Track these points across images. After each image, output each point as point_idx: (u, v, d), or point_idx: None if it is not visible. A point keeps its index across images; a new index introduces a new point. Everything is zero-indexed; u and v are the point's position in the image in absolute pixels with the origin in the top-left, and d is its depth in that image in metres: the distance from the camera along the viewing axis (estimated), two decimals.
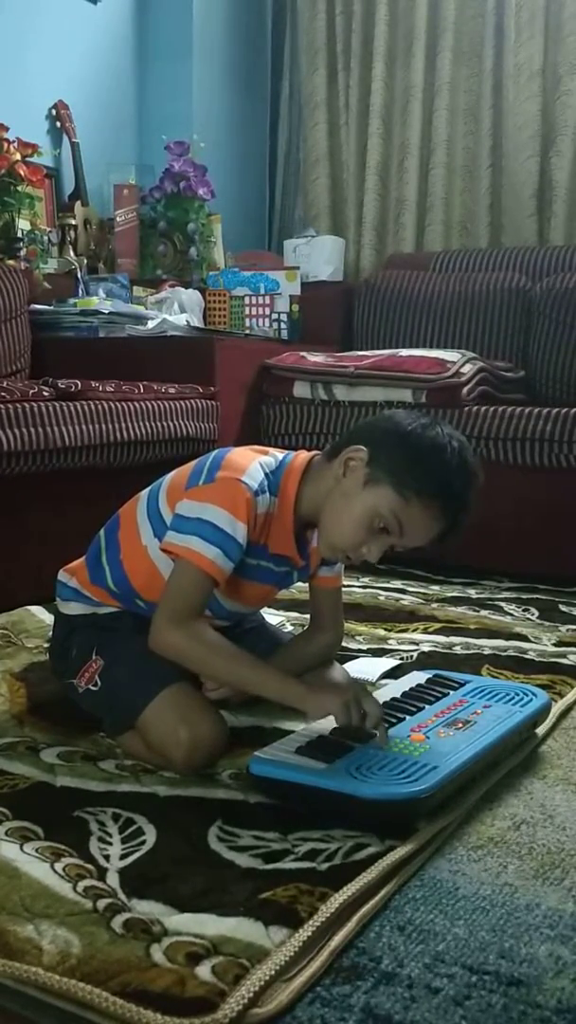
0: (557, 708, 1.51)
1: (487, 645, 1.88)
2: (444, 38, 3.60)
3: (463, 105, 3.64)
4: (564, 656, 1.81)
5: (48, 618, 1.95)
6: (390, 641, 1.91)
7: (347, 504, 1.30)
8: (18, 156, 2.82)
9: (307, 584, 1.52)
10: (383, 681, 1.63)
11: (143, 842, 1.08)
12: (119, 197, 3.35)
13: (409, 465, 1.26)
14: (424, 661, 1.77)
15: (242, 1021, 0.78)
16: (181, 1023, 0.77)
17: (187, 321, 2.92)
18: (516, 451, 2.49)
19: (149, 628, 1.32)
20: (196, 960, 0.85)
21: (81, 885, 0.98)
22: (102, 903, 0.95)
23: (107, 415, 2.21)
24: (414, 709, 1.36)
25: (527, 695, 1.44)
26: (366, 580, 2.44)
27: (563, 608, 2.21)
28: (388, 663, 1.74)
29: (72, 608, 1.47)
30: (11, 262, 2.77)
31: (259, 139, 4.07)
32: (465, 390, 2.66)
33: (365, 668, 1.70)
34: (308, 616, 1.59)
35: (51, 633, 1.56)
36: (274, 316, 3.17)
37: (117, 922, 0.91)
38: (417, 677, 1.53)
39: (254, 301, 3.19)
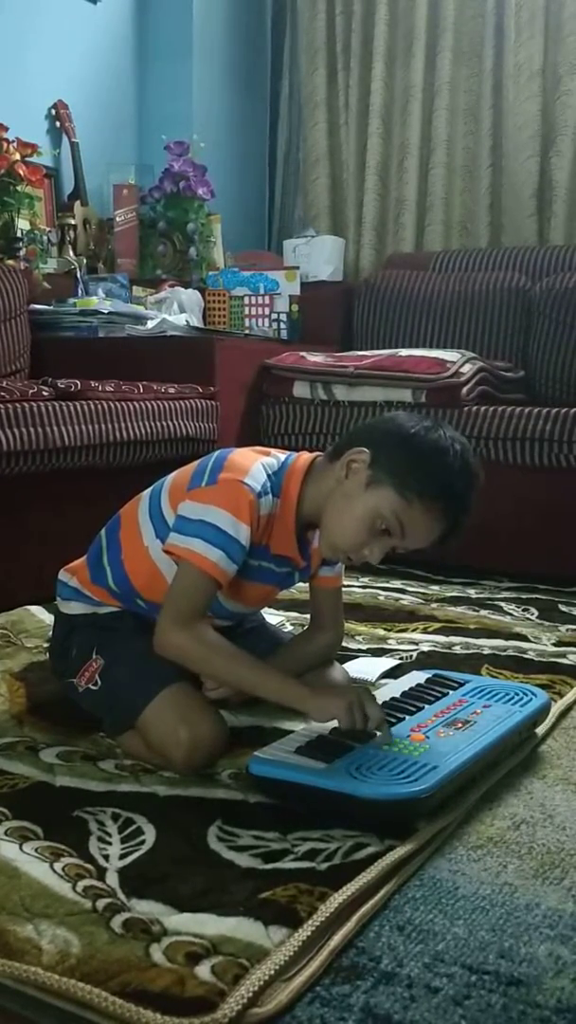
0: (557, 708, 1.51)
1: (487, 645, 1.88)
2: (444, 38, 3.60)
3: (463, 105, 3.64)
4: (564, 656, 1.81)
5: (48, 618, 1.95)
6: (390, 641, 1.91)
7: (349, 505, 1.30)
8: (18, 156, 2.82)
9: (307, 584, 1.52)
10: (383, 681, 1.63)
11: (143, 842, 1.08)
12: (119, 197, 3.34)
13: (411, 467, 1.26)
14: (424, 661, 1.77)
15: (242, 1021, 0.78)
16: (181, 1023, 0.77)
17: (187, 321, 2.92)
18: (516, 451, 2.49)
19: (149, 628, 1.32)
20: (196, 960, 0.85)
21: (81, 885, 0.98)
22: (101, 903, 0.95)
23: (107, 415, 2.21)
24: (414, 709, 1.36)
25: (527, 695, 1.44)
26: (366, 580, 2.44)
27: (563, 608, 2.21)
28: (388, 663, 1.74)
29: (72, 608, 1.47)
30: (11, 262, 2.77)
31: (259, 139, 4.07)
32: (465, 390, 2.65)
33: (365, 668, 1.70)
34: (308, 616, 1.59)
35: (51, 633, 1.56)
36: (274, 316, 3.17)
37: (117, 922, 0.91)
38: (417, 677, 1.53)
39: (254, 301, 3.19)
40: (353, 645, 1.86)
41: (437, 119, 3.63)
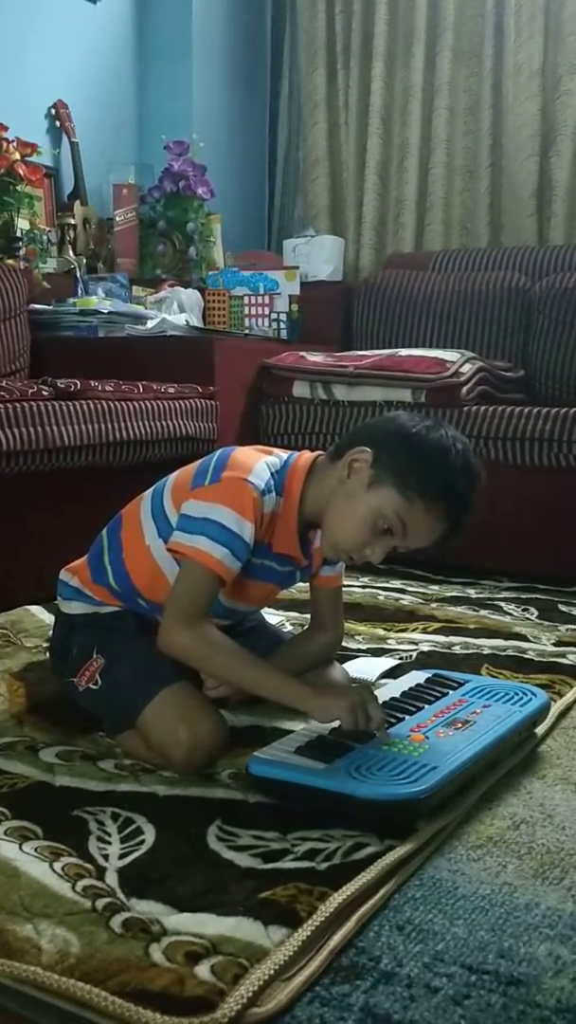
0: (556, 708, 1.51)
1: (486, 645, 1.88)
2: (444, 38, 3.60)
3: (463, 105, 3.64)
4: (563, 656, 1.81)
5: (47, 618, 1.95)
6: (389, 641, 1.91)
7: (351, 505, 1.30)
8: (17, 155, 2.82)
9: (307, 584, 1.52)
10: (382, 681, 1.63)
11: (142, 842, 1.08)
12: (118, 197, 3.34)
13: (413, 466, 1.27)
14: (423, 661, 1.77)
15: (241, 1020, 0.78)
16: (180, 1022, 0.77)
17: (186, 321, 2.92)
18: (516, 451, 2.49)
19: (150, 628, 1.32)
20: (195, 959, 0.85)
21: (80, 884, 0.98)
22: (101, 902, 0.95)
23: (106, 415, 2.21)
24: (413, 709, 1.36)
25: (526, 695, 1.44)
26: (366, 580, 2.44)
27: (562, 608, 2.21)
28: (387, 663, 1.74)
29: (73, 607, 1.47)
30: (10, 262, 2.77)
31: (259, 139, 4.07)
32: (464, 390, 2.66)
33: (364, 668, 1.70)
34: (308, 616, 1.59)
35: (51, 633, 1.56)
36: (273, 316, 3.17)
37: (116, 921, 0.91)
38: (416, 677, 1.53)
39: (253, 301, 3.19)
40: (353, 645, 1.86)
41: (437, 119, 3.63)
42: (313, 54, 3.87)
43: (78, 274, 3.07)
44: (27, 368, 2.74)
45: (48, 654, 1.58)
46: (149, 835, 1.09)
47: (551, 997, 0.83)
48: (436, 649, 1.86)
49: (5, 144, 2.81)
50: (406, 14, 3.68)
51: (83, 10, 3.39)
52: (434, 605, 2.22)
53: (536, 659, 1.79)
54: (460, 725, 1.30)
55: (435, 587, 2.41)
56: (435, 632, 1.98)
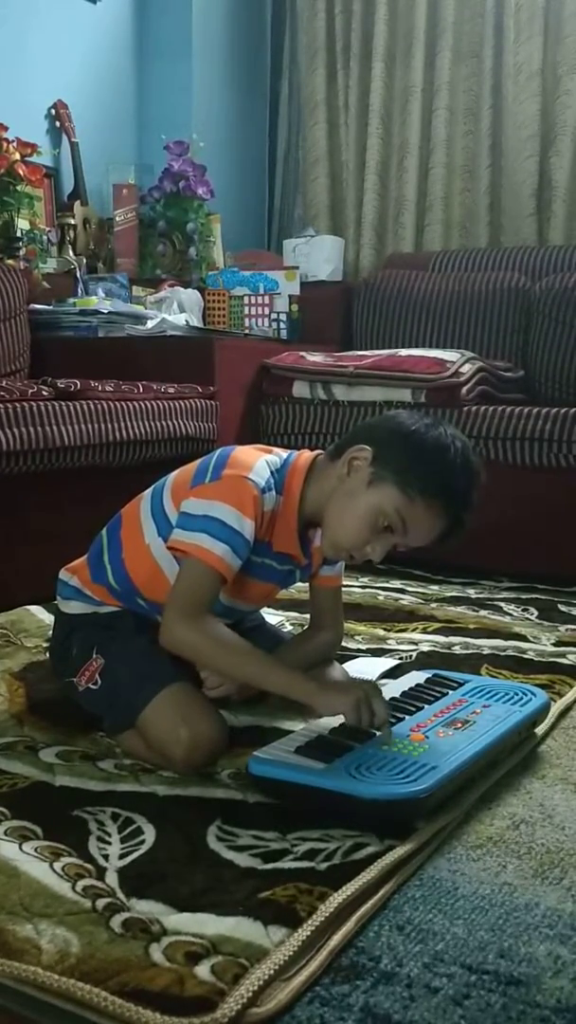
0: (556, 708, 1.51)
1: (486, 645, 1.88)
2: (443, 38, 3.60)
3: (462, 105, 3.64)
4: (563, 656, 1.81)
5: (47, 618, 1.95)
6: (389, 641, 1.91)
7: (351, 503, 1.30)
8: (17, 156, 2.82)
9: (307, 583, 1.52)
10: (382, 681, 1.63)
11: (142, 841, 1.08)
12: (118, 197, 3.34)
13: (413, 464, 1.27)
14: (423, 661, 1.77)
15: (241, 1020, 0.78)
16: (180, 1022, 0.77)
17: (186, 321, 2.92)
18: (516, 451, 2.49)
19: (149, 627, 1.32)
20: (195, 959, 0.85)
21: (80, 884, 0.98)
22: (101, 902, 0.95)
23: (106, 415, 2.21)
24: (413, 709, 1.36)
25: (526, 695, 1.44)
26: (365, 580, 2.44)
27: (562, 608, 2.21)
28: (387, 663, 1.74)
29: (73, 607, 1.47)
30: (10, 262, 2.77)
31: (259, 139, 4.07)
32: (464, 390, 2.66)
33: (364, 668, 1.70)
34: (308, 616, 1.59)
35: (51, 633, 1.56)
36: (273, 316, 3.17)
37: (116, 921, 0.91)
38: (416, 677, 1.53)
39: (253, 301, 3.19)
40: (353, 645, 1.86)
41: (437, 119, 3.63)
42: (313, 54, 3.87)
43: (78, 274, 3.07)
44: (27, 368, 2.74)
45: (48, 654, 1.58)
46: (149, 835, 1.09)
47: (551, 997, 0.83)
48: (436, 649, 1.86)
49: (5, 144, 2.80)
50: (406, 14, 3.68)
51: (83, 10, 3.39)
52: (434, 605, 2.22)
53: (536, 659, 1.79)
54: (460, 725, 1.30)
55: (435, 587, 2.41)
56: (435, 632, 1.98)
